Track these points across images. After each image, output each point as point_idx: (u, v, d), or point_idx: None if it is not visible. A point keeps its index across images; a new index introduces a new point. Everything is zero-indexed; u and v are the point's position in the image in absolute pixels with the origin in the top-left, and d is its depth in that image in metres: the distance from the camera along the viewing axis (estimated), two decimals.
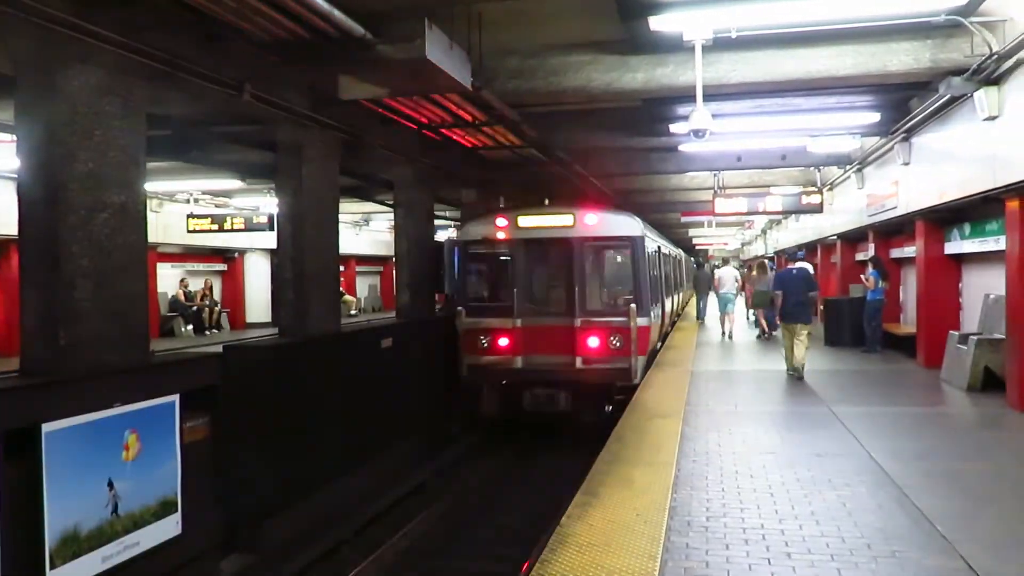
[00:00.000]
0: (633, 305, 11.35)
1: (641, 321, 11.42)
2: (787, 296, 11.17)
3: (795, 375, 11.07)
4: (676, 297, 20.36)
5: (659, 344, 14.94)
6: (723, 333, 17.17)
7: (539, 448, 11.89)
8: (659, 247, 15.61)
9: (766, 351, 14.37)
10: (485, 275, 12.84)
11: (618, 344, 11.37)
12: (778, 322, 12.48)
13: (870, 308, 13.68)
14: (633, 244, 11.92)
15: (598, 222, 11.84)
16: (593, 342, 11.45)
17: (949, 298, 11.71)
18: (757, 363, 13.05)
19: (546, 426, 12.22)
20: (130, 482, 5.33)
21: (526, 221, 11.95)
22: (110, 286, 5.70)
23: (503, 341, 11.65)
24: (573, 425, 11.81)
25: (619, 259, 12.32)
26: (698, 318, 21.74)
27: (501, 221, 12.00)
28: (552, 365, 11.48)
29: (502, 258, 12.31)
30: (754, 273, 17.14)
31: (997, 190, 8.23)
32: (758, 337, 16.87)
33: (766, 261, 19.21)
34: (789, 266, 13.00)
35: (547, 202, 13.95)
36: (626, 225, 12.14)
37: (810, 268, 17.54)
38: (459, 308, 12.02)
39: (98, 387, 5.26)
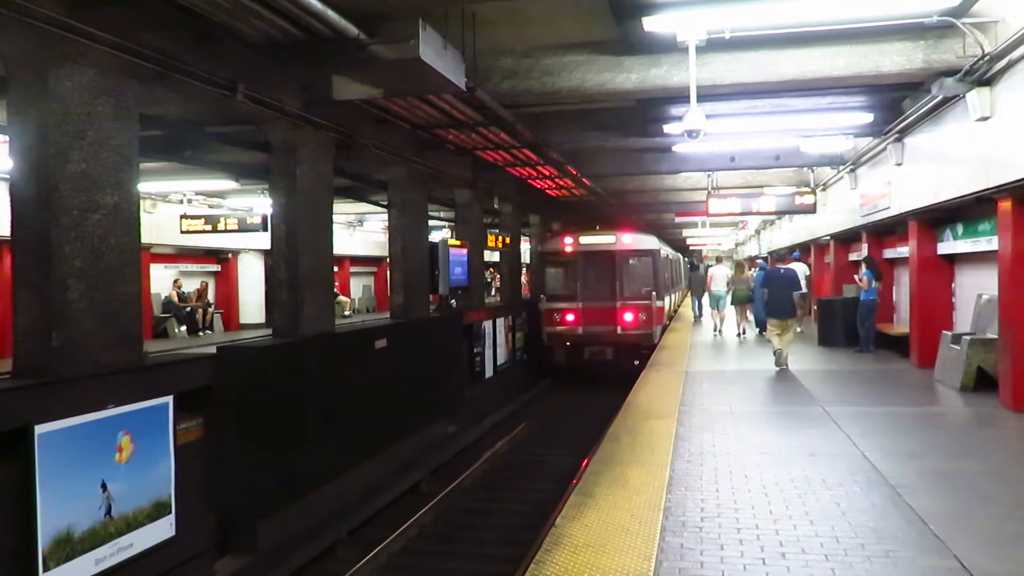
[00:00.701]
0: (653, 293, 17.54)
1: (657, 303, 17.65)
2: (773, 293, 12.17)
3: (781, 367, 11.88)
4: (678, 290, 26.61)
5: (668, 321, 20.72)
6: (715, 329, 18.02)
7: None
8: (667, 255, 21.36)
9: (758, 351, 14.39)
10: (558, 273, 18.45)
11: (644, 318, 17.46)
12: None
13: (863, 308, 13.72)
14: (653, 255, 18.17)
15: (631, 240, 18.00)
16: (628, 317, 17.47)
17: (942, 298, 11.75)
18: (750, 363, 13.08)
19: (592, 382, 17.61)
20: (124, 484, 5.32)
21: (585, 239, 18.06)
22: (103, 287, 5.68)
23: (570, 316, 17.66)
24: (614, 371, 17.05)
25: (644, 264, 18.10)
26: (695, 317, 22.53)
27: (568, 239, 18.09)
28: (602, 331, 17.52)
29: (569, 263, 18.08)
30: (733, 273, 18.17)
31: (989, 190, 8.26)
32: (738, 335, 17.24)
33: (744, 262, 20.18)
34: (776, 266, 14.03)
35: (597, 227, 19.87)
36: (648, 242, 18.47)
37: (806, 269, 18.28)
38: (541, 295, 18.12)
39: (91, 388, 5.25)
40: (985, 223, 9.75)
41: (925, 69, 8.20)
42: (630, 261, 17.94)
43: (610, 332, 17.43)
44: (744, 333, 17.24)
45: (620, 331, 17.38)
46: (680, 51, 7.73)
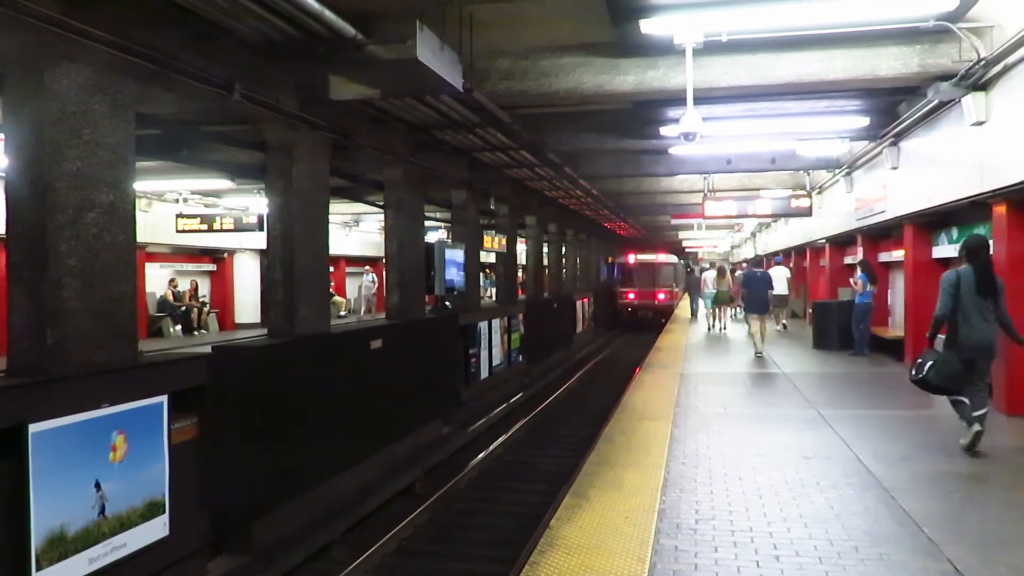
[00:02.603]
0: (673, 283, 33.72)
1: (675, 289, 34.17)
2: (751, 292, 14.46)
3: (759, 355, 13.95)
4: (680, 286, 37.74)
5: (679, 300, 34.85)
6: (709, 327, 20.31)
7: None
8: (680, 264, 37.99)
9: (752, 353, 14.41)
10: (624, 274, 33.79)
11: (669, 297, 32.81)
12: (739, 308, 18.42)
13: (858, 311, 13.76)
14: (674, 265, 34.64)
15: (663, 257, 34.29)
16: (661, 296, 32.65)
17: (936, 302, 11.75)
18: (745, 366, 13.11)
19: (642, 328, 30.27)
20: (117, 483, 5.30)
21: (640, 256, 33.65)
22: (98, 285, 5.66)
23: (631, 295, 33.03)
24: (652, 324, 28.89)
25: (668, 269, 33.55)
26: (692, 315, 25.45)
27: (631, 256, 33.65)
28: (647, 303, 32.58)
29: (631, 268, 33.38)
30: (716, 276, 20.43)
31: (984, 195, 8.29)
32: (719, 328, 19.78)
33: (725, 267, 22.07)
34: (753, 269, 16.22)
35: (646, 249, 34.78)
36: (671, 258, 34.89)
37: (787, 272, 20.03)
38: (616, 283, 34.54)
39: (85, 387, 5.23)
40: (980, 227, 9.78)
41: (921, 73, 8.21)
42: (662, 267, 33.37)
43: (651, 304, 32.47)
44: (725, 328, 19.66)
45: (656, 303, 32.35)
46: (677, 53, 7.75)
